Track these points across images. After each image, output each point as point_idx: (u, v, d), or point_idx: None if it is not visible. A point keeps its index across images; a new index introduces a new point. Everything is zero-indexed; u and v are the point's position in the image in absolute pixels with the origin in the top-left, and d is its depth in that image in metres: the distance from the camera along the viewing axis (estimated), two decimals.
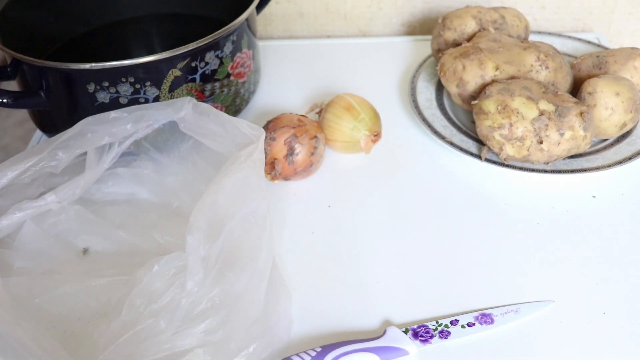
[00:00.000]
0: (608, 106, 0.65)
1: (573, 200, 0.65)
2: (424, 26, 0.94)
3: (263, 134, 0.56)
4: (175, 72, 0.65)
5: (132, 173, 0.65)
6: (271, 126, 0.66)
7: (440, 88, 0.77)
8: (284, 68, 0.86)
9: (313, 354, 0.49)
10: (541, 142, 0.63)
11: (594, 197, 0.65)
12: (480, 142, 0.69)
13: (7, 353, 0.44)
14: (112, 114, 0.58)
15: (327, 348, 0.50)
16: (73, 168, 0.60)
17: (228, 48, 0.68)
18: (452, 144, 0.69)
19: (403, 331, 0.52)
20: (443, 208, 0.65)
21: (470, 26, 0.75)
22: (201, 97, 0.68)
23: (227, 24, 0.67)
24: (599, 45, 0.81)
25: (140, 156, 0.65)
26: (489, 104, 0.65)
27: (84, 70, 0.62)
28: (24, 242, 0.58)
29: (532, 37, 0.83)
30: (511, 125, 0.63)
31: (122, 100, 0.64)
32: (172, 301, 0.47)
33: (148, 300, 0.48)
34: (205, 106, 0.58)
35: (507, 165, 0.66)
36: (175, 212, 0.63)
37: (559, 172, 0.65)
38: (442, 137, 0.69)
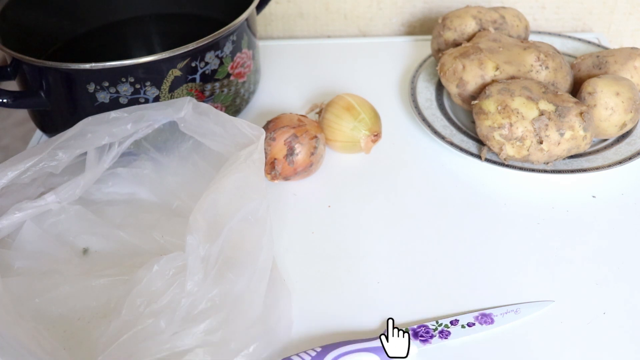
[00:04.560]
0: (608, 106, 0.65)
1: (573, 200, 0.65)
2: (424, 26, 0.94)
3: (263, 134, 0.56)
4: (175, 72, 0.65)
5: (132, 173, 0.65)
6: (271, 126, 0.66)
7: (440, 88, 0.77)
8: (284, 68, 0.86)
9: (313, 354, 0.49)
10: (541, 142, 0.63)
11: (594, 197, 0.65)
12: (480, 142, 0.69)
13: (7, 353, 0.44)
14: (112, 114, 0.58)
15: (327, 348, 0.50)
16: (73, 168, 0.60)
17: (228, 48, 0.68)
18: (452, 144, 0.69)
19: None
20: (443, 208, 0.65)
21: (470, 26, 0.75)
22: (201, 97, 0.68)
23: (227, 24, 0.67)
24: (599, 45, 0.81)
25: (140, 156, 0.65)
26: (489, 104, 0.65)
27: (84, 70, 0.62)
28: (24, 242, 0.58)
29: (532, 37, 0.83)
30: (511, 125, 0.63)
31: (122, 100, 0.64)
32: (172, 301, 0.47)
33: (148, 300, 0.48)
34: (205, 106, 0.58)
35: (507, 165, 0.66)
36: (175, 212, 0.63)
37: (559, 172, 0.65)
38: (442, 137, 0.69)
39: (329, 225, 0.63)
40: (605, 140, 0.70)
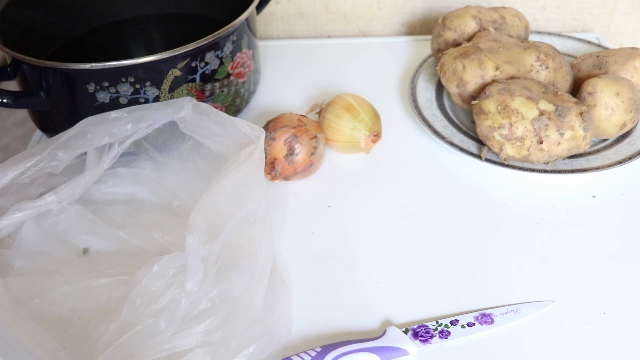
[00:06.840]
0: (608, 106, 0.65)
1: (573, 200, 0.65)
2: (424, 26, 0.94)
3: (263, 134, 0.56)
4: (175, 72, 0.65)
5: (132, 173, 0.65)
6: (271, 126, 0.66)
7: (440, 88, 0.77)
8: (284, 68, 0.86)
9: (313, 354, 0.49)
10: (541, 142, 0.63)
11: (594, 197, 0.65)
12: (480, 142, 0.69)
13: (7, 353, 0.44)
14: (112, 114, 0.58)
15: (327, 348, 0.50)
16: (73, 168, 0.60)
17: (228, 48, 0.68)
18: (452, 144, 0.69)
19: (403, 331, 0.52)
20: (443, 208, 0.65)
21: (470, 26, 0.75)
22: (201, 97, 0.68)
23: (227, 24, 0.67)
24: (599, 45, 0.81)
25: (140, 156, 0.65)
26: (489, 104, 0.65)
27: (84, 70, 0.62)
28: (24, 242, 0.58)
29: (532, 37, 0.83)
30: (511, 125, 0.63)
31: (122, 100, 0.64)
32: (172, 301, 0.47)
33: (148, 300, 0.48)
34: (205, 106, 0.58)
35: (507, 165, 0.66)
36: (175, 212, 0.63)
37: (559, 172, 0.65)
38: (442, 137, 0.69)
39: (329, 225, 0.63)
40: (605, 140, 0.70)
